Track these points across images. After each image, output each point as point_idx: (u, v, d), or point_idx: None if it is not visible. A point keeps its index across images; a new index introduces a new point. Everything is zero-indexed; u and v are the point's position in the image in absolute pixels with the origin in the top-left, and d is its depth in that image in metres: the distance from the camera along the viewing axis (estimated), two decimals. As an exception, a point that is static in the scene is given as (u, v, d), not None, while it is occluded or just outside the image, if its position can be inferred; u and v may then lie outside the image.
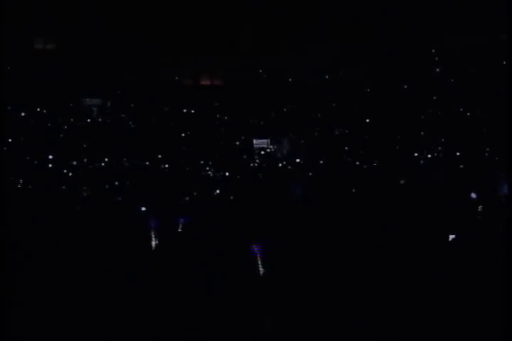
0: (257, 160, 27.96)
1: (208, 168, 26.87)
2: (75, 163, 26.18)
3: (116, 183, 24.98)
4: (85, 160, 26.33)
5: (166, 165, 26.81)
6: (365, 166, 26.51)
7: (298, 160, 27.36)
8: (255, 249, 17.61)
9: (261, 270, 18.46)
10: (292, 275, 18.26)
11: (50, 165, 25.80)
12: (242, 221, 22.07)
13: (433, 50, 28.24)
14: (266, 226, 21.50)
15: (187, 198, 24.94)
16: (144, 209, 22.31)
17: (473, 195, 19.90)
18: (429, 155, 26.57)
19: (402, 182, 24.48)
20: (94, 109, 28.13)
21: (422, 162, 26.47)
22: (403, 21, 27.78)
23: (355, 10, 27.78)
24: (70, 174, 25.39)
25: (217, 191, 25.60)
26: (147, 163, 26.65)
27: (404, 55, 28.13)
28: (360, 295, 16.43)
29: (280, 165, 27.67)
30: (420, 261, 17.69)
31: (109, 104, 28.37)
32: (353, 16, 27.86)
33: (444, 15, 27.53)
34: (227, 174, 26.64)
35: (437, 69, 28.37)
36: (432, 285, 16.15)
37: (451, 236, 19.40)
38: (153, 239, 20.10)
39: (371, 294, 16.19)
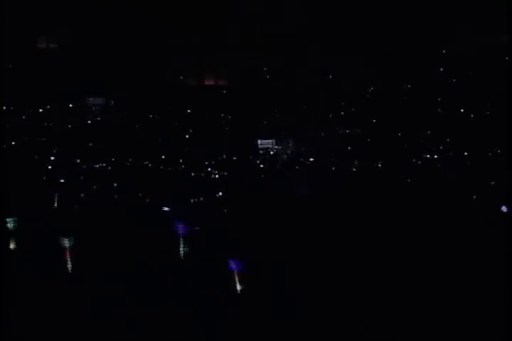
0: (262, 161, 27.76)
1: (211, 169, 26.68)
2: (77, 162, 26.02)
3: (116, 185, 24.82)
4: (87, 160, 26.17)
5: (169, 166, 26.64)
6: (370, 166, 26.31)
7: (309, 160, 27.15)
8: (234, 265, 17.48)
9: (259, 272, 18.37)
10: (296, 274, 18.10)
11: (52, 165, 25.68)
12: (244, 221, 21.94)
13: (444, 51, 28.05)
14: (270, 226, 21.39)
15: (190, 199, 24.79)
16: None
17: (504, 209, 19.74)
18: (436, 156, 26.32)
19: (408, 181, 24.31)
20: (97, 108, 27.97)
21: (429, 162, 26.25)
22: (407, 23, 27.62)
23: (358, 10, 27.62)
24: (73, 173, 25.27)
25: (221, 192, 25.46)
26: (150, 163, 26.48)
27: (410, 56, 27.96)
28: (362, 296, 16.27)
29: (285, 165, 27.49)
30: (424, 262, 17.52)
31: (112, 102, 28.20)
32: (356, 17, 27.69)
33: (447, 16, 27.36)
34: (231, 175, 26.48)
35: (441, 69, 28.17)
36: (433, 286, 15.99)
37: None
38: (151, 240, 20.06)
39: (375, 296, 16.03)
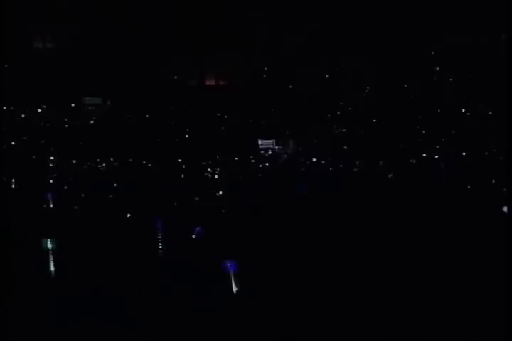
0: (263, 161, 27.74)
1: (211, 169, 26.64)
2: (74, 162, 26.00)
3: (115, 185, 24.77)
4: (86, 160, 26.14)
5: (169, 166, 26.60)
6: (371, 166, 26.29)
7: (310, 160, 27.15)
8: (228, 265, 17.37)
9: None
10: (295, 275, 18.03)
11: (48, 165, 25.67)
12: (244, 221, 21.88)
13: (438, 50, 28.09)
14: (269, 226, 21.32)
15: (190, 199, 24.73)
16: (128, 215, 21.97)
17: (505, 209, 19.70)
18: (436, 156, 26.30)
19: (408, 181, 24.29)
20: (95, 108, 27.95)
21: (429, 162, 26.23)
22: (403, 22, 27.66)
23: (356, 11, 27.66)
24: (70, 174, 25.25)
25: (220, 192, 25.39)
26: (149, 163, 26.44)
27: (406, 56, 27.99)
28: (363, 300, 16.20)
29: (286, 165, 27.45)
30: (421, 262, 17.46)
31: (109, 102, 28.18)
32: (353, 17, 27.72)
33: (444, 15, 27.38)
34: (231, 175, 26.43)
35: (437, 68, 28.22)
36: (431, 287, 15.91)
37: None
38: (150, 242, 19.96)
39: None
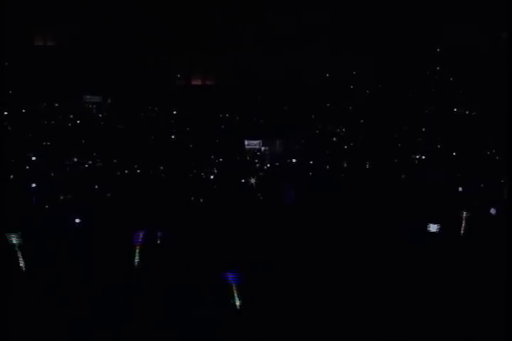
0: (249, 161, 27.69)
1: (196, 171, 26.55)
2: (75, 160, 25.90)
3: (97, 187, 24.59)
4: (85, 158, 26.09)
5: (158, 166, 26.52)
6: (360, 167, 26.27)
7: (297, 160, 27.10)
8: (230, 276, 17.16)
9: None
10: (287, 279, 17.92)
11: (48, 162, 25.58)
12: (233, 224, 21.77)
13: (438, 49, 28.16)
14: (259, 228, 21.23)
15: (177, 200, 24.62)
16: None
17: (493, 211, 19.76)
18: (424, 157, 26.30)
19: (398, 181, 24.30)
20: (93, 106, 27.88)
21: (420, 162, 26.27)
22: (404, 21, 27.70)
23: (356, 11, 27.67)
24: (68, 172, 25.17)
25: (208, 193, 25.29)
26: (137, 165, 26.33)
27: (405, 55, 28.04)
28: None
29: (273, 166, 27.39)
30: (418, 262, 17.42)
31: (109, 101, 28.14)
32: (353, 17, 27.74)
33: (444, 14, 27.44)
34: (218, 175, 26.33)
35: (438, 68, 28.30)
36: (431, 286, 15.88)
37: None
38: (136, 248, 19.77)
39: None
